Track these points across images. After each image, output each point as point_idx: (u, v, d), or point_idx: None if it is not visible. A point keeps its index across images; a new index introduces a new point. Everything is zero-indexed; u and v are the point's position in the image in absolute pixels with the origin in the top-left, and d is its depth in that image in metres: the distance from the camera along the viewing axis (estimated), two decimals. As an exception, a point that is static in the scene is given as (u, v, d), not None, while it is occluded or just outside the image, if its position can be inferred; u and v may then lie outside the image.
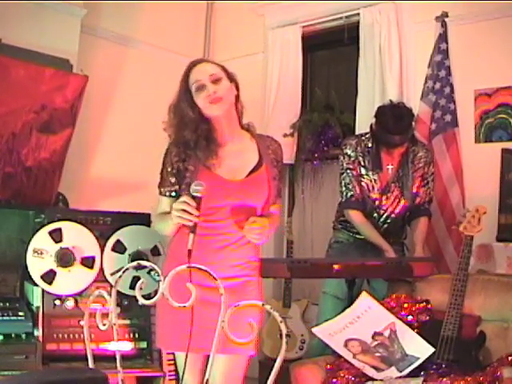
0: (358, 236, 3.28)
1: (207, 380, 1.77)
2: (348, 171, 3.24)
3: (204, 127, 2.26)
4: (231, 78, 2.30)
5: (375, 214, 3.24)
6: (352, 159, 3.23)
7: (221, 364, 2.23)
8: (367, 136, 3.26)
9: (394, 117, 3.07)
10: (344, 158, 3.27)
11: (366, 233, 3.23)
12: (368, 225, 3.22)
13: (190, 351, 2.24)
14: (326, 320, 2.60)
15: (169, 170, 2.30)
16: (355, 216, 3.24)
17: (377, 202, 3.21)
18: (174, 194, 2.30)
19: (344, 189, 3.26)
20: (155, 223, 2.48)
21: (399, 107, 3.16)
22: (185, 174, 2.27)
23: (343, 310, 2.59)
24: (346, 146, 3.29)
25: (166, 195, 2.32)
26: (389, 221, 3.25)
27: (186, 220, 2.12)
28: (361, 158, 3.23)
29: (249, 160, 2.32)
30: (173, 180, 2.30)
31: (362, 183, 3.22)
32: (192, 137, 2.25)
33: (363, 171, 3.22)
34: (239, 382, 2.31)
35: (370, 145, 3.21)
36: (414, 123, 3.20)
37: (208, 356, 2.25)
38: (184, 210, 2.11)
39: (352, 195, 3.23)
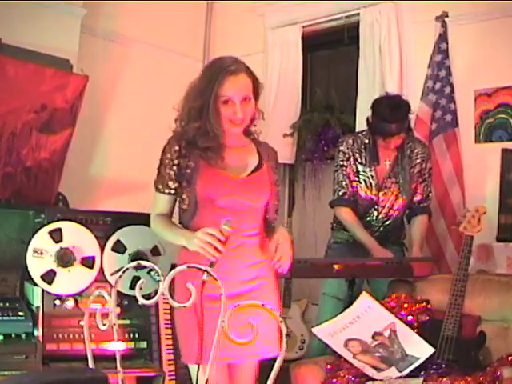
0: None
1: (207, 380, 1.77)
2: (341, 168, 3.24)
3: (219, 134, 2.24)
4: (256, 92, 2.26)
5: (374, 212, 3.22)
6: (346, 156, 3.23)
7: (245, 369, 2.25)
8: (364, 133, 3.27)
9: (390, 106, 3.08)
10: (339, 155, 3.27)
11: (354, 231, 3.21)
12: (358, 223, 3.20)
13: (214, 362, 2.21)
14: (326, 321, 2.60)
15: (168, 165, 2.25)
16: (346, 213, 3.24)
17: (374, 199, 3.21)
18: (172, 191, 2.27)
19: (337, 186, 3.26)
20: (156, 225, 2.32)
21: (395, 97, 3.19)
22: (185, 170, 2.24)
23: (343, 311, 2.59)
24: (341, 143, 3.29)
25: (164, 192, 2.27)
26: (388, 220, 3.24)
27: (209, 255, 2.03)
28: (357, 155, 3.22)
29: (250, 160, 2.32)
30: (172, 176, 2.25)
31: (360, 180, 3.22)
32: (206, 142, 2.23)
33: (360, 168, 3.22)
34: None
35: (366, 141, 3.22)
36: (410, 115, 3.18)
37: (229, 366, 2.24)
38: (210, 244, 2.03)
39: (344, 193, 3.23)
